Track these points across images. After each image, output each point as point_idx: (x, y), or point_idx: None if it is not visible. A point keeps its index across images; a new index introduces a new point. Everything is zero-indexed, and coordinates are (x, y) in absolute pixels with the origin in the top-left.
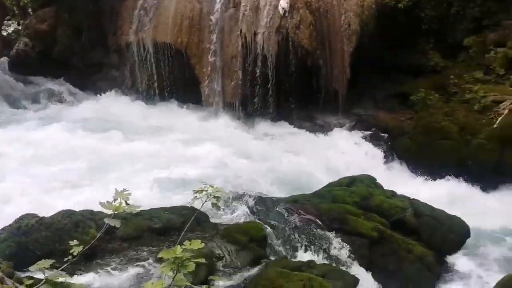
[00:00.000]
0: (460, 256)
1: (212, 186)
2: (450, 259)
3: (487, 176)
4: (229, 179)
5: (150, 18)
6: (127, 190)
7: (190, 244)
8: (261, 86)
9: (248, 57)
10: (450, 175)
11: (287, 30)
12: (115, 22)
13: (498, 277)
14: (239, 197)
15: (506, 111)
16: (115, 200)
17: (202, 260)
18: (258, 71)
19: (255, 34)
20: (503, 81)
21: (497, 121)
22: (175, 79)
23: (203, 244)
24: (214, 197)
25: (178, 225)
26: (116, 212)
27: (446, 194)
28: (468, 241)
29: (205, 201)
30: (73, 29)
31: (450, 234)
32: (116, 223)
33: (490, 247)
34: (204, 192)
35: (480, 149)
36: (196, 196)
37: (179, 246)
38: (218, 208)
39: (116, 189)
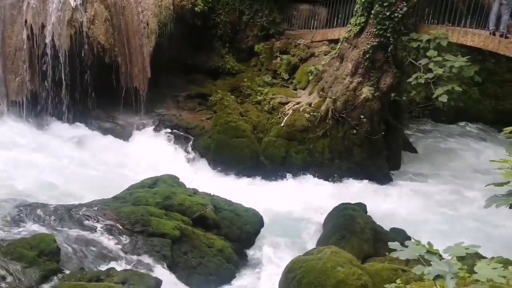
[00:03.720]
0: (256, 244)
1: None
2: (248, 248)
3: (276, 169)
4: (15, 188)
5: None
6: None
7: None
8: (53, 83)
9: (36, 51)
10: (246, 170)
11: (80, 25)
12: None
13: (288, 260)
14: (27, 208)
15: (290, 112)
16: None
17: None
18: (48, 66)
19: (43, 26)
20: (287, 84)
21: (284, 121)
22: None
23: None
24: None
25: None
26: None
27: (243, 188)
28: (263, 230)
29: None
30: None
31: (247, 226)
32: None
33: (282, 233)
34: None
35: (270, 146)
36: None
37: None
38: None
39: None
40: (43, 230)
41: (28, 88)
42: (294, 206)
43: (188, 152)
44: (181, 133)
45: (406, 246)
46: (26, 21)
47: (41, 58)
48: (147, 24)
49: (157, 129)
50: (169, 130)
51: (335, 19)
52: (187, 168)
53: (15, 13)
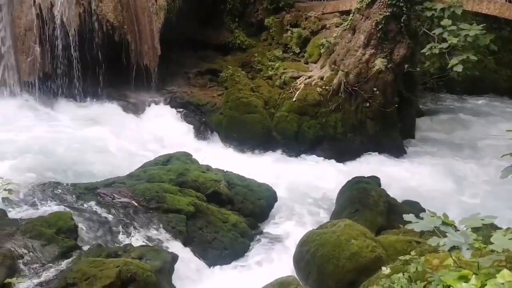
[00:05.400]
0: (270, 219)
1: (1, 178)
2: (261, 222)
3: (289, 144)
4: (33, 167)
5: None
6: None
7: None
8: (63, 62)
9: (46, 31)
10: (259, 146)
11: (89, 2)
12: None
13: (302, 234)
14: (44, 187)
15: (302, 86)
16: None
17: None
18: (59, 46)
19: (52, 5)
20: (299, 58)
21: (295, 95)
22: None
23: None
24: (5, 190)
25: None
26: None
27: (255, 164)
28: (276, 205)
29: None
30: None
31: (260, 201)
32: None
33: (295, 207)
34: None
35: (282, 121)
36: None
37: None
38: (11, 202)
39: None
40: (60, 208)
41: (40, 68)
42: (307, 180)
43: (200, 129)
44: (193, 110)
45: (421, 218)
46: (34, 1)
47: (51, 37)
48: (156, 0)
49: (168, 106)
50: (180, 107)
51: None
52: (200, 144)
53: None
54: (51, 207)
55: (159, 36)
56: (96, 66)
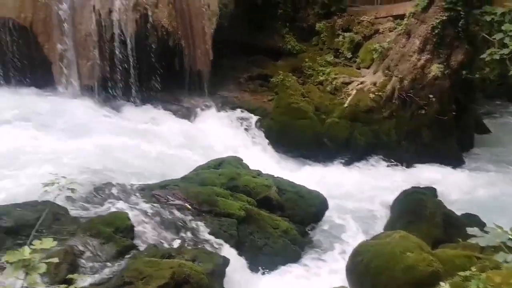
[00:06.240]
0: (321, 227)
1: (65, 177)
2: (312, 230)
3: (340, 151)
4: (92, 167)
5: None
6: None
7: (41, 243)
8: (121, 67)
9: (105, 36)
10: (309, 152)
11: (145, 8)
12: None
13: (354, 244)
14: (103, 187)
15: (354, 92)
16: None
17: (55, 260)
18: (116, 51)
19: (110, 11)
20: (350, 63)
21: (347, 101)
22: (22, 60)
23: (55, 242)
24: (69, 189)
25: (32, 221)
26: None
27: (306, 170)
28: (327, 213)
29: (58, 194)
30: None
31: (311, 208)
32: None
33: (347, 217)
34: (55, 185)
35: (333, 127)
36: (46, 190)
37: (27, 247)
38: (74, 201)
39: None
40: (117, 208)
41: (99, 72)
42: (359, 188)
43: (250, 134)
44: (244, 115)
45: (486, 232)
46: (94, 7)
47: (109, 43)
48: (208, 6)
49: (220, 111)
50: (231, 112)
51: None
52: (250, 149)
53: None
54: (109, 207)
55: (211, 41)
56: (151, 71)
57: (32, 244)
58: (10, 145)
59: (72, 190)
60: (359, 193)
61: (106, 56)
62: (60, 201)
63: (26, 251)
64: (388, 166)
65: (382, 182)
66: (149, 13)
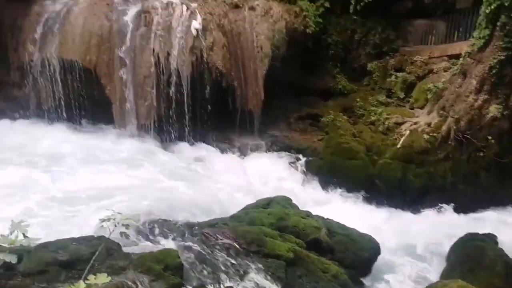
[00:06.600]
0: (372, 273)
1: (120, 214)
2: (364, 276)
3: (393, 193)
4: (144, 204)
5: (55, 34)
6: (25, 221)
7: (95, 278)
8: (176, 106)
9: (162, 77)
10: (360, 193)
11: (200, 51)
12: (17, 37)
13: None
14: (154, 224)
15: (407, 132)
16: (11, 232)
17: None
18: (172, 91)
19: (168, 54)
20: (403, 103)
21: (400, 142)
22: (85, 99)
23: (109, 278)
24: (123, 225)
25: (87, 256)
26: (11, 245)
27: (357, 212)
28: (379, 258)
29: (113, 230)
30: None
31: (362, 252)
32: (12, 258)
33: (401, 263)
34: (111, 220)
35: (386, 168)
36: (102, 225)
37: (82, 281)
38: (128, 236)
39: (12, 220)
40: (167, 245)
41: (155, 112)
42: (413, 233)
43: (300, 173)
44: (293, 154)
45: None
46: (153, 50)
47: (166, 84)
48: (261, 48)
49: (270, 150)
50: (281, 151)
51: (455, 33)
52: (299, 189)
53: (144, 43)
54: (159, 244)
55: (263, 82)
56: (204, 110)
57: (87, 279)
58: (69, 180)
59: (127, 226)
60: (413, 237)
61: (162, 97)
62: (114, 236)
63: (81, 285)
64: (443, 210)
65: (437, 227)
66: (205, 55)
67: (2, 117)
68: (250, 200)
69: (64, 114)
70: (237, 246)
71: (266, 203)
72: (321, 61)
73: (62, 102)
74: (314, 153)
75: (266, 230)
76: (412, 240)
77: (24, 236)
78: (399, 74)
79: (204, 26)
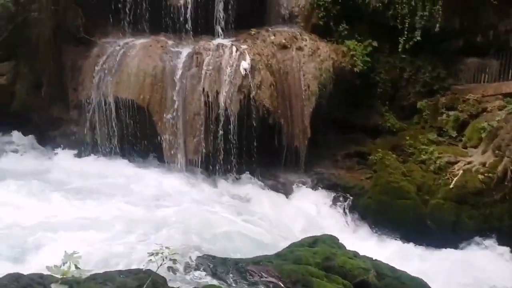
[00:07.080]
0: None
1: (168, 248)
2: None
3: (445, 235)
4: (191, 240)
5: (112, 74)
6: (78, 253)
7: None
8: (223, 143)
9: (211, 115)
10: (411, 235)
11: (248, 90)
12: (77, 77)
13: None
14: (199, 259)
15: (460, 172)
16: (64, 263)
17: None
18: (220, 128)
19: (218, 92)
20: (456, 142)
21: (453, 182)
22: (137, 135)
23: None
24: (171, 259)
25: None
26: (64, 276)
27: (407, 254)
28: None
29: (161, 264)
30: (32, 84)
31: None
32: None
33: None
34: (159, 255)
35: (438, 209)
36: (151, 260)
37: None
38: (175, 271)
39: (65, 251)
40: (212, 281)
41: (203, 148)
42: (468, 278)
43: (347, 212)
44: (340, 193)
45: None
46: (203, 89)
47: (214, 121)
48: (308, 87)
49: (315, 188)
50: (327, 189)
51: (510, 71)
52: (346, 228)
53: (194, 83)
54: (205, 279)
55: (309, 119)
56: (250, 147)
57: None
58: (114, 213)
59: (174, 261)
60: (469, 281)
61: (210, 134)
62: (161, 271)
63: None
64: (500, 254)
65: (495, 273)
66: (252, 93)
67: (65, 153)
68: (295, 239)
69: (118, 150)
70: (281, 285)
71: (312, 242)
72: (368, 99)
73: (117, 138)
74: (362, 191)
75: (312, 270)
76: (468, 284)
77: (76, 267)
78: (451, 113)
79: (253, 66)
